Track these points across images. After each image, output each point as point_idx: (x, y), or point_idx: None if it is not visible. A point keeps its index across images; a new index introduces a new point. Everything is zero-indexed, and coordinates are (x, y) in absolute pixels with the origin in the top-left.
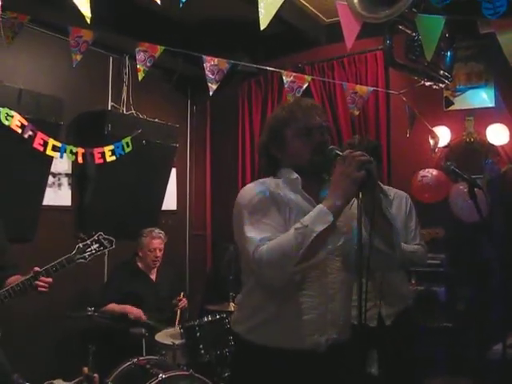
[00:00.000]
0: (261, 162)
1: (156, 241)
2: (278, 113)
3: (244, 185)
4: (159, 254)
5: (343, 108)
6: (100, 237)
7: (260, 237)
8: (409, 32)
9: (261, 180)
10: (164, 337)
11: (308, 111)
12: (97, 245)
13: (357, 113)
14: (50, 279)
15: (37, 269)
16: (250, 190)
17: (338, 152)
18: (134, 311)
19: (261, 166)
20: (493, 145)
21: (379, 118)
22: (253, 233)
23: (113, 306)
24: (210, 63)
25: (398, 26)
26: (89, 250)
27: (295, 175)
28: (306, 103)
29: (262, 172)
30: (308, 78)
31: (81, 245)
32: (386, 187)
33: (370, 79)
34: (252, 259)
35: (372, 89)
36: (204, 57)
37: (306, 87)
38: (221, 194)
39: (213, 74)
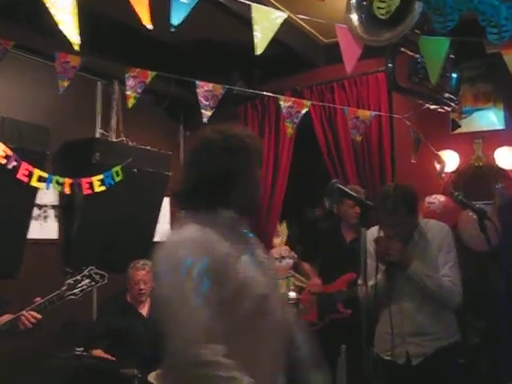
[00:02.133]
0: None
1: (140, 272)
2: None
3: None
4: (143, 286)
5: (345, 133)
6: (91, 271)
7: None
8: (412, 54)
9: None
10: (158, 377)
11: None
12: (88, 280)
13: (359, 138)
14: (38, 316)
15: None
16: None
17: (341, 187)
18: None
19: None
20: (503, 169)
21: (383, 143)
22: None
23: (99, 353)
24: (204, 88)
25: (400, 49)
26: (79, 285)
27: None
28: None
29: None
30: (307, 102)
31: (71, 280)
32: (425, 220)
33: (373, 102)
34: None
35: (375, 113)
36: (197, 82)
37: (306, 112)
38: None
39: (206, 100)
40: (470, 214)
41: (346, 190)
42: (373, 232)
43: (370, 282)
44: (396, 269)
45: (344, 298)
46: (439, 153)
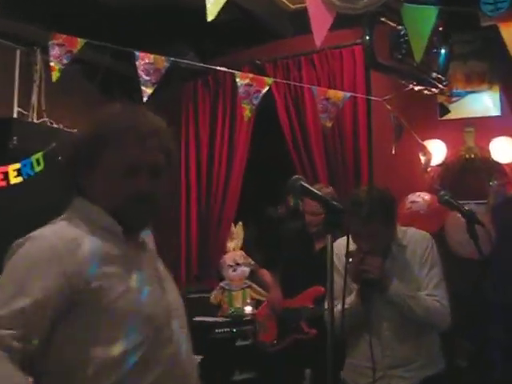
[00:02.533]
0: None
1: None
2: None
3: (189, 206)
4: None
5: (313, 118)
6: None
7: None
8: (393, 25)
9: None
10: None
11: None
12: None
13: (329, 124)
14: None
15: None
16: None
17: (305, 185)
18: None
19: None
20: (498, 163)
21: (358, 130)
22: None
23: None
24: (145, 61)
25: (380, 18)
26: None
27: None
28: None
29: None
30: (269, 80)
31: None
32: (403, 228)
33: (347, 81)
34: None
35: (349, 95)
36: (137, 53)
37: (267, 90)
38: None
39: (147, 75)
40: (459, 215)
41: (311, 188)
42: (340, 244)
43: (338, 306)
44: (373, 290)
45: (309, 316)
46: (425, 143)
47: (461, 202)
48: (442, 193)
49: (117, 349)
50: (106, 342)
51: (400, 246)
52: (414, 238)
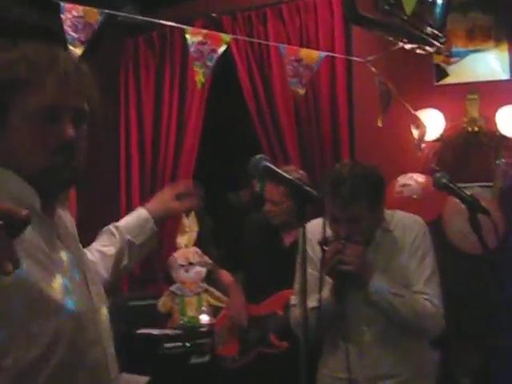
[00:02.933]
0: None
1: None
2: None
3: (129, 192)
4: None
5: (282, 84)
6: None
7: None
8: None
9: None
10: None
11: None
12: None
13: (302, 91)
14: None
15: None
16: None
17: (270, 166)
18: None
19: None
20: (506, 137)
21: (336, 98)
22: None
23: None
24: (72, 14)
25: None
26: None
27: None
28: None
29: None
30: (227, 37)
31: None
32: (389, 212)
33: (323, 38)
34: None
35: (325, 55)
36: (62, 4)
37: (225, 50)
38: (92, 208)
39: (76, 31)
40: (459, 202)
41: (278, 170)
42: (314, 229)
43: (311, 303)
44: (351, 284)
45: (279, 326)
46: (417, 113)
47: (462, 185)
48: (439, 175)
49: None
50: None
51: (385, 232)
52: (402, 222)
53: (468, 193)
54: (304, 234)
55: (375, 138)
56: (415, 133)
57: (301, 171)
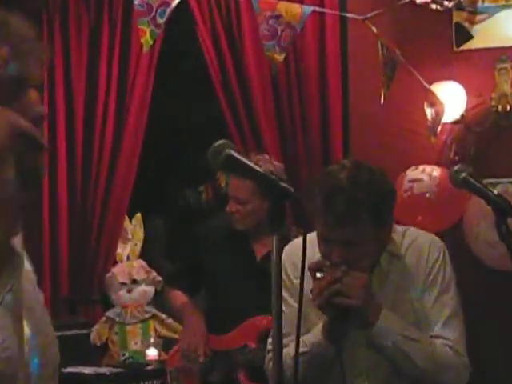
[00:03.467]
0: None
1: None
2: None
3: (55, 191)
4: None
5: (255, 48)
6: None
7: None
8: None
9: None
10: None
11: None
12: None
13: (280, 58)
14: None
15: None
16: None
17: (235, 154)
18: None
19: None
20: None
21: (326, 66)
22: None
23: None
24: None
25: None
26: None
27: None
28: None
29: None
30: None
31: None
32: (399, 228)
33: None
34: None
35: (311, 9)
36: None
37: (180, 2)
38: None
39: None
40: (484, 204)
41: (244, 160)
42: (293, 252)
43: (290, 348)
44: (350, 323)
45: (250, 362)
46: (432, 87)
47: (488, 181)
48: (457, 167)
49: None
50: None
51: (393, 257)
52: (415, 244)
53: (495, 191)
54: (278, 250)
55: (376, 119)
56: (429, 112)
57: (276, 162)
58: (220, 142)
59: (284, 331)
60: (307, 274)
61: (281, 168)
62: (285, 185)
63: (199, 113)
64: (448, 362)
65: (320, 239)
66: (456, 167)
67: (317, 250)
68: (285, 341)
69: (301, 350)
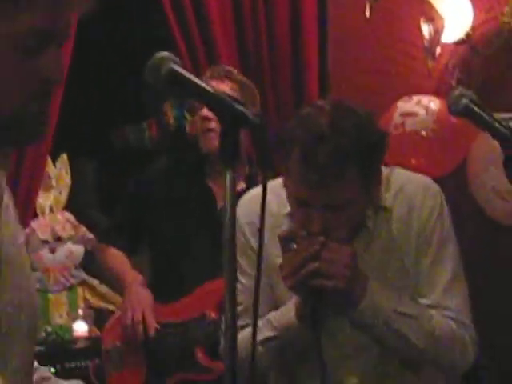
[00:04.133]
0: None
1: None
2: None
3: None
4: None
5: None
6: None
7: None
8: None
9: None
10: None
11: None
12: None
13: None
14: None
15: None
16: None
17: (178, 69)
18: None
19: None
20: None
21: None
22: None
23: None
24: None
25: None
26: None
27: None
28: None
29: None
30: None
31: None
32: (385, 170)
33: None
34: None
35: None
36: None
37: None
38: None
39: None
40: (492, 141)
41: (190, 75)
42: (252, 207)
43: (245, 332)
44: (328, 307)
45: (209, 336)
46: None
47: (499, 115)
48: (459, 92)
49: None
50: None
51: (379, 210)
52: (404, 191)
53: (506, 124)
54: (232, 189)
55: (361, 38)
56: (426, 30)
57: (241, 76)
58: (160, 54)
59: (242, 307)
60: (271, 237)
61: (248, 85)
62: (241, 108)
63: (142, 32)
64: (452, 337)
65: (295, 204)
66: (457, 91)
67: (281, 202)
68: (244, 320)
69: (268, 333)
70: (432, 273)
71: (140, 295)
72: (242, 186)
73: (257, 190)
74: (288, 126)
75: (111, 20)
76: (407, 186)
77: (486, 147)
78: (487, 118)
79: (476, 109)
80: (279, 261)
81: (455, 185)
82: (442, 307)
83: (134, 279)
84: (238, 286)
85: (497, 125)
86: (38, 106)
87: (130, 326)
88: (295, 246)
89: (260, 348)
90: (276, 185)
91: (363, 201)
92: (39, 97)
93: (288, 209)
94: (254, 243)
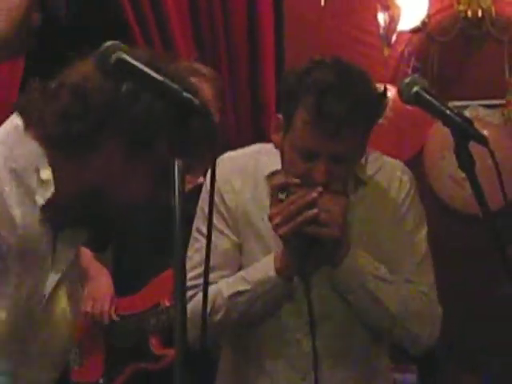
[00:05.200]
0: None
1: None
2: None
3: None
4: None
5: None
6: None
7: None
8: None
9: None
10: None
11: None
12: None
13: None
14: None
15: None
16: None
17: (127, 58)
18: None
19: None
20: None
21: None
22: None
23: None
24: None
25: None
26: None
27: None
28: None
29: None
30: None
31: None
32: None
33: None
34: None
35: None
36: None
37: None
38: None
39: None
40: (445, 130)
41: (138, 63)
42: (228, 169)
43: (232, 286)
44: (315, 259)
45: (164, 324)
46: None
47: (457, 104)
48: (409, 79)
49: None
50: None
51: (358, 183)
52: (383, 170)
53: (463, 113)
54: (180, 178)
55: (315, 26)
56: (381, 18)
57: (211, 71)
58: (108, 43)
59: (211, 265)
60: (251, 198)
61: (211, 75)
62: (189, 95)
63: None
64: (422, 310)
65: (298, 157)
66: (407, 79)
67: (259, 165)
68: (213, 276)
69: (238, 287)
70: (406, 250)
71: (101, 284)
72: (200, 179)
73: (231, 153)
74: (287, 82)
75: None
76: (386, 166)
77: (443, 136)
78: (439, 105)
79: (427, 96)
80: (260, 223)
81: (412, 173)
82: (414, 282)
83: (99, 270)
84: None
85: (448, 112)
86: None
87: (89, 314)
88: (286, 196)
89: (226, 302)
90: (252, 150)
91: (355, 158)
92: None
93: (267, 171)
94: (230, 201)
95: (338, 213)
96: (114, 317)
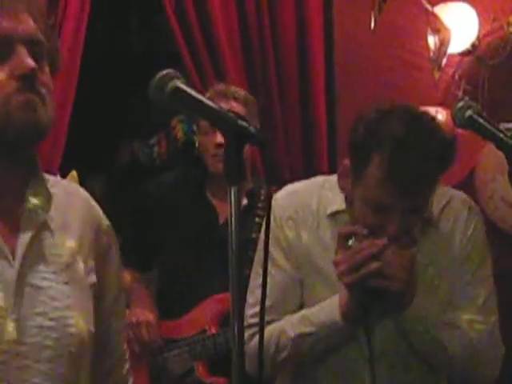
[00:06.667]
0: None
1: None
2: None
3: None
4: None
5: None
6: None
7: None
8: None
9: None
10: None
11: None
12: None
13: None
14: None
15: None
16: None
17: (183, 87)
18: None
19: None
20: None
21: None
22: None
23: None
24: None
25: None
26: None
27: None
28: None
29: None
30: None
31: None
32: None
33: None
34: None
35: None
36: None
37: None
38: None
39: None
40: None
41: (193, 92)
42: (290, 202)
43: (295, 328)
44: (379, 308)
45: (211, 351)
46: (436, 9)
47: (506, 126)
48: (463, 103)
49: None
50: None
51: (426, 224)
52: (450, 206)
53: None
54: (237, 203)
55: (365, 49)
56: (432, 41)
57: (244, 93)
58: (164, 72)
59: (270, 302)
60: (312, 236)
61: (251, 101)
62: (244, 124)
63: (148, 46)
64: (486, 351)
65: (371, 209)
66: (460, 103)
67: (321, 202)
68: (270, 316)
69: (304, 329)
70: (471, 288)
71: (145, 311)
72: (244, 201)
73: (294, 186)
74: (356, 134)
75: (119, 35)
76: (453, 202)
77: (494, 158)
78: (491, 128)
79: (480, 120)
80: (321, 260)
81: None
82: (480, 322)
83: (140, 294)
84: (268, 279)
85: (501, 135)
86: (23, 96)
87: (133, 339)
88: (352, 243)
89: (290, 342)
90: (314, 185)
91: (428, 205)
92: (22, 91)
93: (330, 209)
94: (292, 237)
95: (402, 267)
96: (159, 342)
